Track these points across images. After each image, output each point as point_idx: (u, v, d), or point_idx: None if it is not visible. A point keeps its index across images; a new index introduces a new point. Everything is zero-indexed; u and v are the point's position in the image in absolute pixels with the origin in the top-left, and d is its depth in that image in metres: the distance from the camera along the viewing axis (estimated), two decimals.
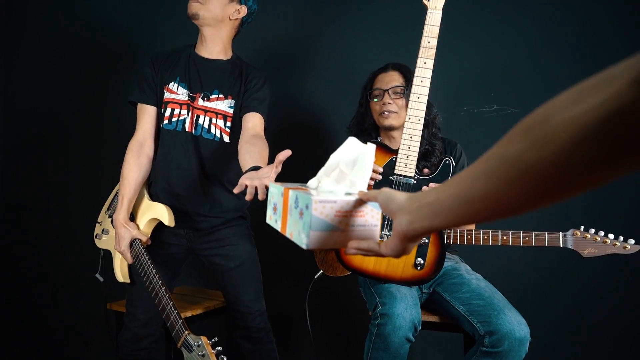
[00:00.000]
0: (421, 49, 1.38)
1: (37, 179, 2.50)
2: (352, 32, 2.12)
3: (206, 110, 1.55)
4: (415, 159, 1.40)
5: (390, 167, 1.42)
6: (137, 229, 1.52)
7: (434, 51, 1.38)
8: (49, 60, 2.47)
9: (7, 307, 2.51)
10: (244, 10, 1.58)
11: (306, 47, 2.20)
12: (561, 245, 1.37)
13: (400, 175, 1.41)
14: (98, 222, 1.70)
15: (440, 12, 1.38)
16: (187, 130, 1.55)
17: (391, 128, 1.58)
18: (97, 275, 1.65)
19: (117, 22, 2.38)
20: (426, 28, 1.38)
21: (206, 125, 1.55)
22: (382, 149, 1.43)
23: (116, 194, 1.69)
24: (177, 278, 1.69)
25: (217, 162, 1.57)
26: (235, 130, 1.56)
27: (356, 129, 1.67)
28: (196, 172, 1.55)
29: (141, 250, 1.47)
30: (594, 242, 1.35)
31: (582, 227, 1.37)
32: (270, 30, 2.17)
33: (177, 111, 1.55)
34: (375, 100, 1.59)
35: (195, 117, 1.54)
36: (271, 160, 1.17)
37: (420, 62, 1.39)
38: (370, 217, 0.69)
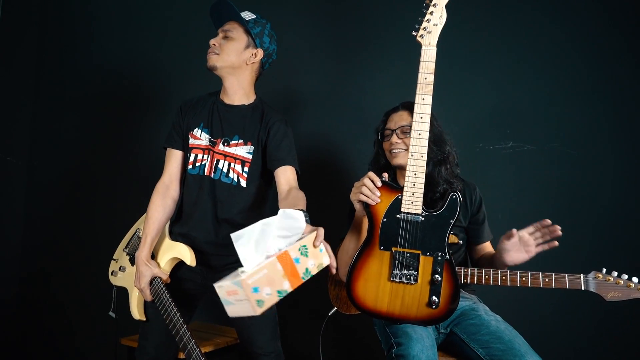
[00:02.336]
0: (418, 86, 1.40)
1: (55, 219, 2.56)
2: (366, 72, 2.17)
3: (226, 155, 1.59)
4: (421, 195, 1.38)
5: (396, 205, 1.41)
6: (158, 267, 1.54)
7: (431, 87, 1.39)
8: (69, 116, 2.56)
9: (26, 342, 2.52)
10: (260, 53, 1.62)
11: (323, 89, 2.24)
12: (583, 288, 1.33)
13: (407, 213, 1.39)
14: (114, 259, 1.72)
15: (435, 48, 1.40)
16: (205, 174, 1.58)
17: (402, 167, 1.60)
18: (111, 313, 1.65)
19: (137, 70, 2.49)
20: (422, 64, 1.40)
21: (225, 170, 1.58)
22: (388, 187, 1.42)
23: (134, 233, 1.72)
24: (192, 315, 1.68)
25: (232, 204, 1.59)
26: (253, 175, 1.60)
27: (373, 167, 1.70)
28: (211, 213, 1.58)
29: (162, 288, 1.49)
30: (617, 286, 1.31)
31: (604, 270, 1.33)
32: (289, 74, 2.23)
33: (200, 156, 1.60)
34: (386, 140, 1.64)
35: (215, 162, 1.58)
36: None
37: (418, 98, 1.40)
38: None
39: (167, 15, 2.46)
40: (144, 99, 2.46)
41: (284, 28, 2.17)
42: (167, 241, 1.61)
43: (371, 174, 1.41)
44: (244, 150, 1.59)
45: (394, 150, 1.59)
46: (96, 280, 2.28)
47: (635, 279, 1.31)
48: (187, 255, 1.54)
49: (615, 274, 1.33)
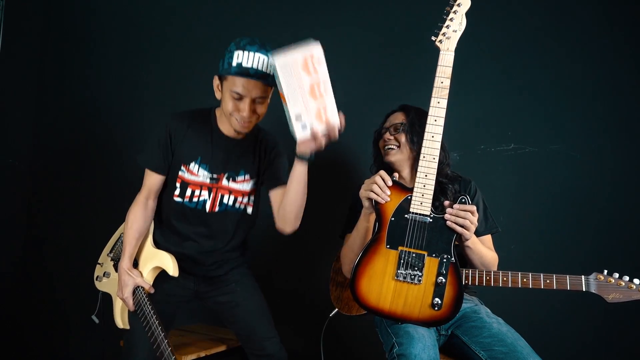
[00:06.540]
0: (435, 89, 1.42)
1: (57, 218, 2.56)
2: (378, 73, 2.17)
3: (231, 191, 1.59)
4: (431, 197, 1.40)
5: (405, 205, 1.42)
6: (140, 277, 1.52)
7: (447, 91, 1.41)
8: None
9: (23, 342, 2.52)
10: None
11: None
12: (584, 289, 1.33)
13: (416, 213, 1.40)
14: (99, 264, 1.70)
15: (453, 54, 1.42)
16: (207, 210, 1.57)
17: (393, 165, 1.63)
18: (93, 317, 1.64)
19: (139, 72, 2.49)
20: (439, 69, 1.42)
21: (231, 203, 1.59)
22: (398, 187, 1.43)
23: (119, 237, 1.69)
24: (175, 320, 1.68)
25: (239, 229, 1.64)
26: (256, 200, 1.65)
27: (375, 167, 1.73)
28: (216, 245, 1.60)
29: (144, 298, 1.47)
30: (619, 287, 1.31)
31: (606, 271, 1.34)
32: None
33: (197, 192, 1.57)
34: (381, 138, 1.68)
35: (219, 197, 1.57)
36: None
37: (434, 101, 1.41)
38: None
39: (169, 18, 2.47)
40: (145, 101, 2.46)
41: (301, 30, 2.17)
42: (150, 249, 1.57)
43: (382, 172, 1.43)
44: (249, 185, 1.61)
45: (386, 147, 1.63)
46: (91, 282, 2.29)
47: (636, 281, 1.31)
48: (170, 265, 1.50)
49: (616, 275, 1.33)
